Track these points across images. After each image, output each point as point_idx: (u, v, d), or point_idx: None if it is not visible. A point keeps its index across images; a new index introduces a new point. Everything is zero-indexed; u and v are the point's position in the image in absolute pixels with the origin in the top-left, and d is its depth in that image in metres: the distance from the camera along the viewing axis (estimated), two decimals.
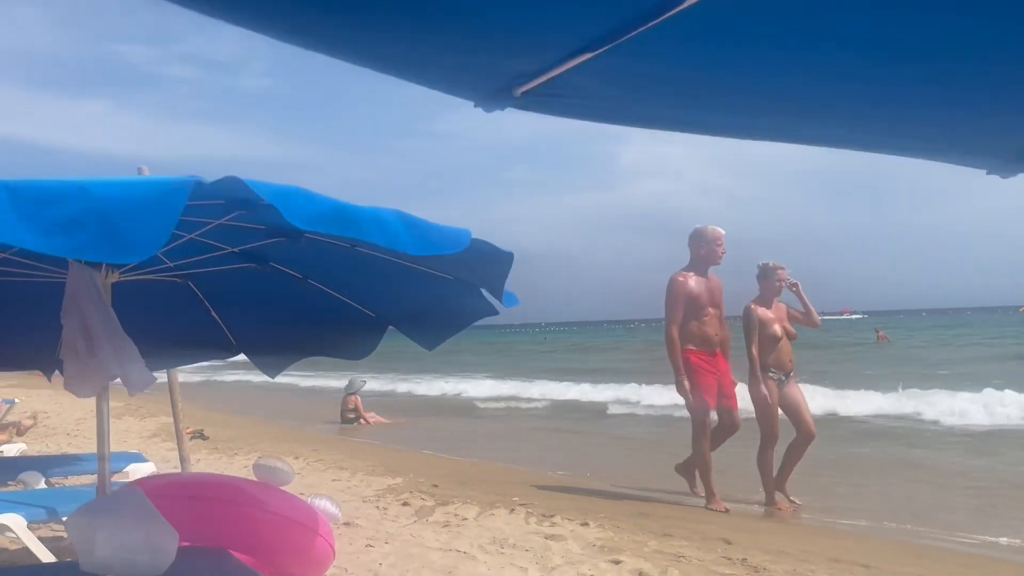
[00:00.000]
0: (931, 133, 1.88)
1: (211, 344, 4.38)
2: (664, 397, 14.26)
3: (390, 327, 4.01)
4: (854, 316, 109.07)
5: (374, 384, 20.79)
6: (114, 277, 3.41)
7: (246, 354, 4.43)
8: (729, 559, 5.19)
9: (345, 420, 14.54)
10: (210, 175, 2.26)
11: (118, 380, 3.06)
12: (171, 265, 3.71)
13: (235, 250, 3.60)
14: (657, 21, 1.26)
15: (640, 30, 1.28)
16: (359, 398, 14.76)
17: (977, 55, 1.45)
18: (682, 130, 1.86)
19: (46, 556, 4.37)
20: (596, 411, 16.29)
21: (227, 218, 3.13)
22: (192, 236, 3.38)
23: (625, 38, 1.31)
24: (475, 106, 1.57)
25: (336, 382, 19.37)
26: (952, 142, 1.94)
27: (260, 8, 1.23)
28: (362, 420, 14.51)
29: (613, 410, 16.12)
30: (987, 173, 1.95)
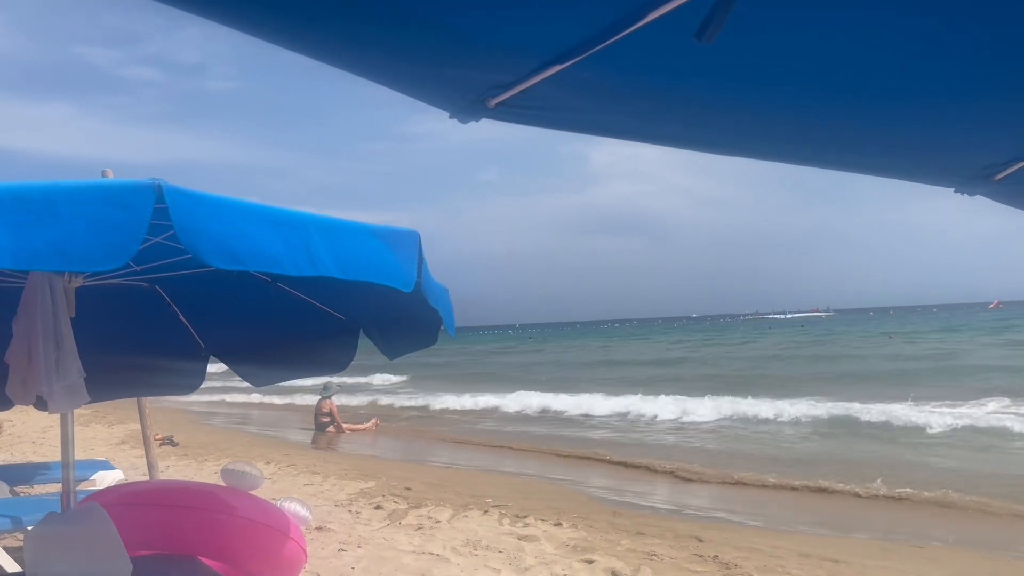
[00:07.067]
0: (898, 151, 1.91)
1: (180, 351, 4.33)
2: None
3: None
4: (825, 315, 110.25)
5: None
6: (78, 282, 3.36)
7: (220, 359, 4.37)
8: (701, 556, 5.24)
9: (319, 425, 14.16)
10: (175, 178, 2.24)
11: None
12: (138, 269, 3.67)
13: None
14: (625, 33, 1.27)
15: (609, 42, 1.30)
16: (334, 403, 14.33)
17: (944, 73, 1.48)
18: (652, 142, 1.88)
19: (11, 566, 4.30)
20: None
21: None
22: (158, 239, 3.34)
23: (595, 50, 1.33)
24: (450, 117, 1.58)
25: (311, 383, 19.05)
26: (919, 160, 1.97)
27: (246, 9, 1.24)
28: (336, 426, 14.21)
29: None
30: (955, 191, 1.99)
